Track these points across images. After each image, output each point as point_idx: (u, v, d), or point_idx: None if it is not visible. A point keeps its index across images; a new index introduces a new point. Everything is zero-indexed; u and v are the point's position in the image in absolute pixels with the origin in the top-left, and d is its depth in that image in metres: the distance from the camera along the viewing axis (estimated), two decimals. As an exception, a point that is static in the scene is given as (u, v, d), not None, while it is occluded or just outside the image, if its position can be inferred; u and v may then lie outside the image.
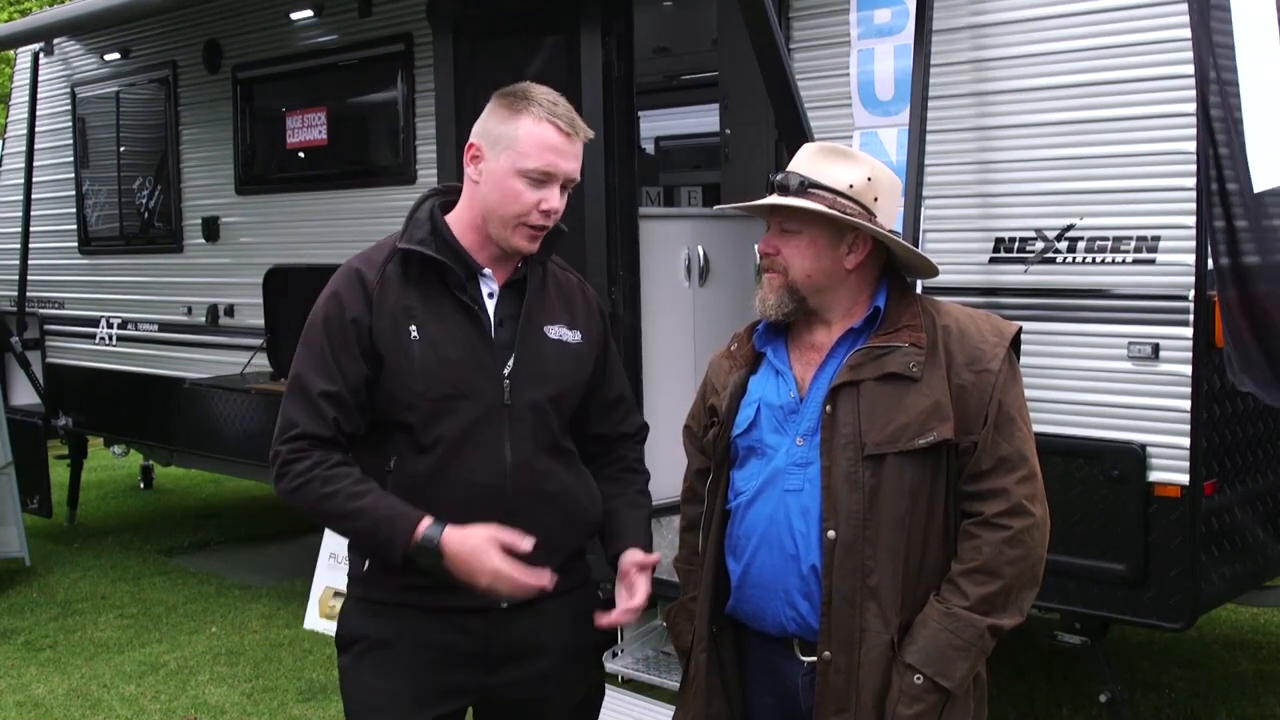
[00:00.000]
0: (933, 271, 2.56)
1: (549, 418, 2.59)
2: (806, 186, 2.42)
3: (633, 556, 2.62)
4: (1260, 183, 3.72)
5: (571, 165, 2.52)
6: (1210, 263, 3.64)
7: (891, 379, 2.38)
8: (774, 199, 2.44)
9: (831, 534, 2.36)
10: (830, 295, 2.49)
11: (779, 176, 2.46)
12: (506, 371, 2.53)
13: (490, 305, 2.57)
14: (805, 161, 2.48)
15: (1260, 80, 3.70)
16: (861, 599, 2.35)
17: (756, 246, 2.50)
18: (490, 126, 2.51)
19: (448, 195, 2.65)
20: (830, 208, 2.40)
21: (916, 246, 3.73)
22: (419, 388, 2.48)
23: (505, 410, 2.52)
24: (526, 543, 2.41)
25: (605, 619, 2.59)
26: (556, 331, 2.63)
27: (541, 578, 2.43)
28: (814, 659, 2.40)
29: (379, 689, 2.57)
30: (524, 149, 2.47)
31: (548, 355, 2.60)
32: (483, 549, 2.40)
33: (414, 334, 2.49)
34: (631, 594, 2.58)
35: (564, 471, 2.63)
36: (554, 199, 2.50)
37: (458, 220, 2.58)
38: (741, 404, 2.54)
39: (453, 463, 2.49)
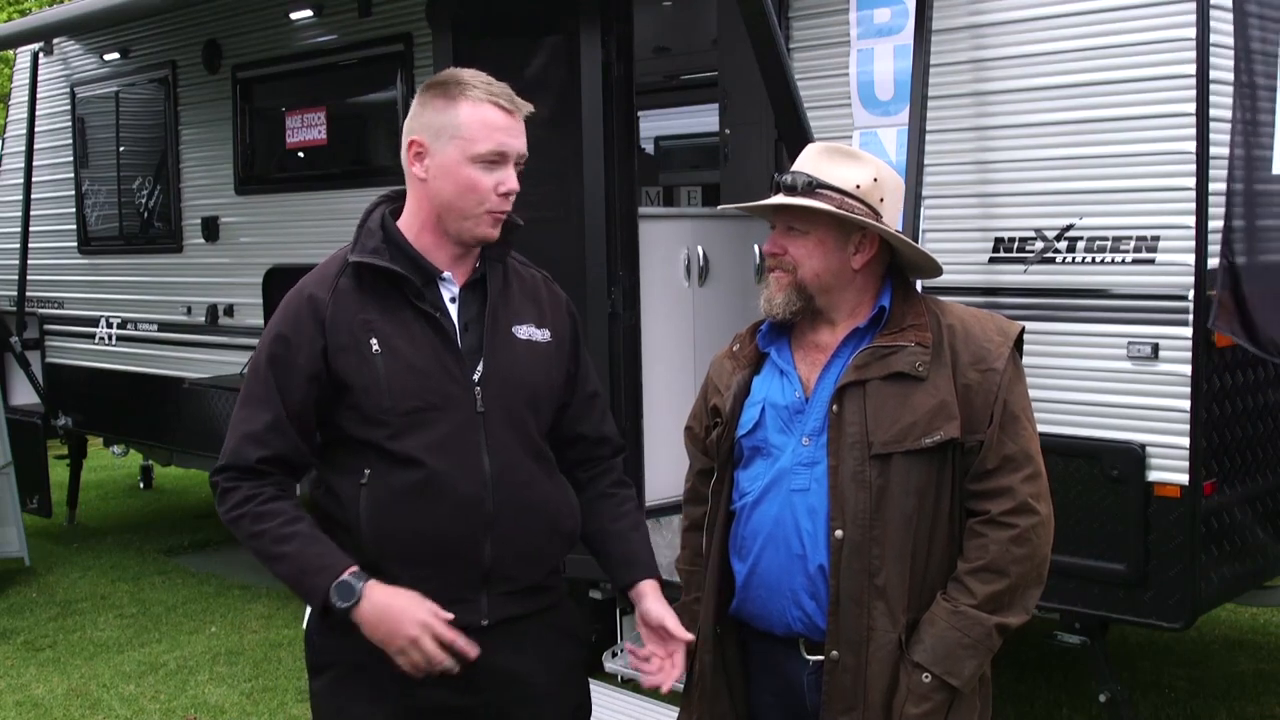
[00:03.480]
0: (937, 271, 2.57)
1: (526, 423, 2.49)
2: (814, 187, 2.42)
3: (672, 622, 2.53)
4: None
5: (520, 142, 2.43)
6: (1212, 261, 3.65)
7: (897, 378, 2.38)
8: (782, 199, 2.44)
9: (839, 534, 2.36)
10: (837, 295, 2.49)
11: (785, 177, 2.45)
12: (477, 378, 2.43)
13: (453, 310, 2.47)
14: (811, 161, 2.48)
15: None
16: (869, 598, 2.35)
17: (759, 247, 2.49)
18: (429, 119, 2.42)
19: (396, 201, 2.55)
20: (839, 208, 2.41)
21: (918, 246, 3.74)
22: (387, 403, 2.38)
23: (480, 418, 2.42)
24: (445, 620, 2.32)
25: (652, 680, 2.52)
26: (525, 331, 2.53)
27: (470, 649, 2.33)
28: (820, 658, 2.40)
29: (356, 714, 2.46)
30: (470, 134, 2.38)
31: (519, 357, 2.49)
32: (415, 602, 2.32)
33: (375, 348, 2.39)
34: (673, 661, 2.52)
35: (545, 480, 2.52)
36: (511, 179, 2.43)
37: (410, 223, 2.49)
38: (745, 404, 2.53)
39: (431, 476, 2.38)
